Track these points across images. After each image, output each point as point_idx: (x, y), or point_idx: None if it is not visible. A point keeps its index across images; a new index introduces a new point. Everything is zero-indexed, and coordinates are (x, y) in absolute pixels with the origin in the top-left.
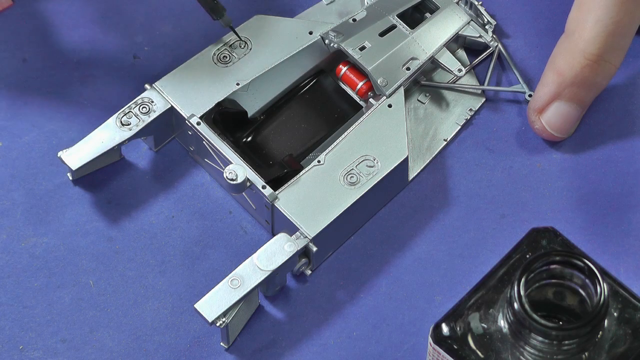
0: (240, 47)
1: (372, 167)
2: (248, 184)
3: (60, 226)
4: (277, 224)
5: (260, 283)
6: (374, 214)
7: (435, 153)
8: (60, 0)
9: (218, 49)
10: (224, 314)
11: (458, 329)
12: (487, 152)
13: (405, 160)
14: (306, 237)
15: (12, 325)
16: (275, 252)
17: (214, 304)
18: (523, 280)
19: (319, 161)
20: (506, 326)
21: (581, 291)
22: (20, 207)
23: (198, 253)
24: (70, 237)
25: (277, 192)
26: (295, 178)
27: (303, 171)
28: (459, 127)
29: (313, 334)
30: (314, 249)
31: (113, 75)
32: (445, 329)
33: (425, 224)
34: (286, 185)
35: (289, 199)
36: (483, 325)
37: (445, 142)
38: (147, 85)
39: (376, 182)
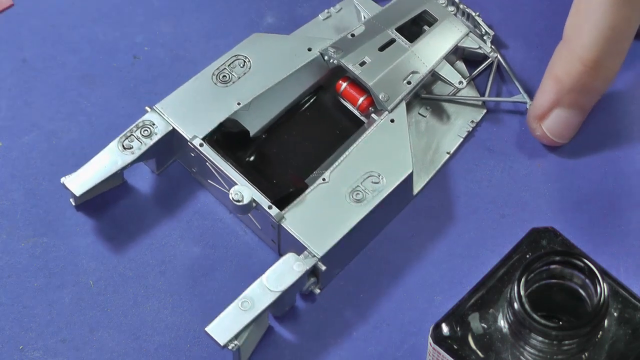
0: (239, 66)
1: (377, 183)
2: (254, 204)
3: (60, 226)
4: (284, 243)
5: (270, 304)
6: (380, 230)
7: (439, 166)
8: (60, 0)
9: (217, 69)
10: (236, 336)
11: (458, 329)
12: (487, 152)
13: (410, 175)
14: (314, 256)
15: (12, 325)
16: (285, 272)
17: (225, 326)
18: (523, 280)
19: (323, 179)
20: (506, 326)
21: (581, 291)
22: (20, 207)
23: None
24: (70, 237)
25: (283, 211)
26: (301, 197)
27: (308, 190)
28: (461, 139)
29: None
30: (323, 268)
31: (113, 75)
32: (445, 329)
33: (425, 224)
34: (292, 204)
35: (296, 218)
36: (483, 325)
37: (449, 155)
38: (147, 108)
39: (382, 198)
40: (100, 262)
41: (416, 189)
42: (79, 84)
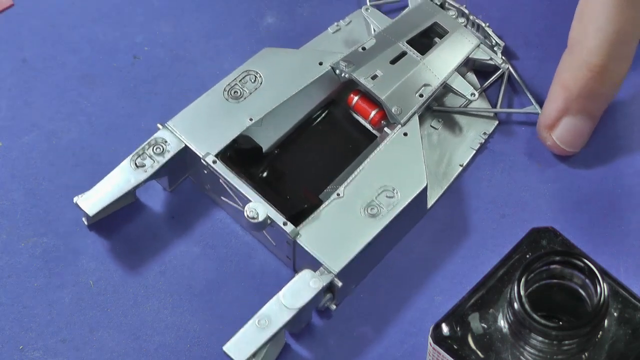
0: (251, 81)
1: (391, 197)
2: (269, 221)
3: (60, 226)
4: (299, 259)
5: (287, 322)
6: (395, 244)
7: (452, 179)
8: (60, 0)
9: (228, 84)
10: (253, 355)
11: (458, 329)
12: (487, 152)
13: (425, 189)
14: (331, 272)
15: (12, 325)
16: (301, 289)
17: (242, 345)
18: (523, 280)
19: (338, 194)
20: (506, 326)
21: (581, 291)
22: (20, 207)
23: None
24: (70, 237)
25: (298, 227)
26: (315, 212)
27: (323, 205)
28: (474, 151)
29: None
30: (339, 284)
31: (113, 75)
32: (445, 329)
33: (425, 224)
34: (307, 220)
35: (311, 234)
36: (483, 325)
37: (462, 168)
38: (159, 125)
39: (397, 212)
40: (100, 262)
41: (430, 202)
42: (79, 84)
